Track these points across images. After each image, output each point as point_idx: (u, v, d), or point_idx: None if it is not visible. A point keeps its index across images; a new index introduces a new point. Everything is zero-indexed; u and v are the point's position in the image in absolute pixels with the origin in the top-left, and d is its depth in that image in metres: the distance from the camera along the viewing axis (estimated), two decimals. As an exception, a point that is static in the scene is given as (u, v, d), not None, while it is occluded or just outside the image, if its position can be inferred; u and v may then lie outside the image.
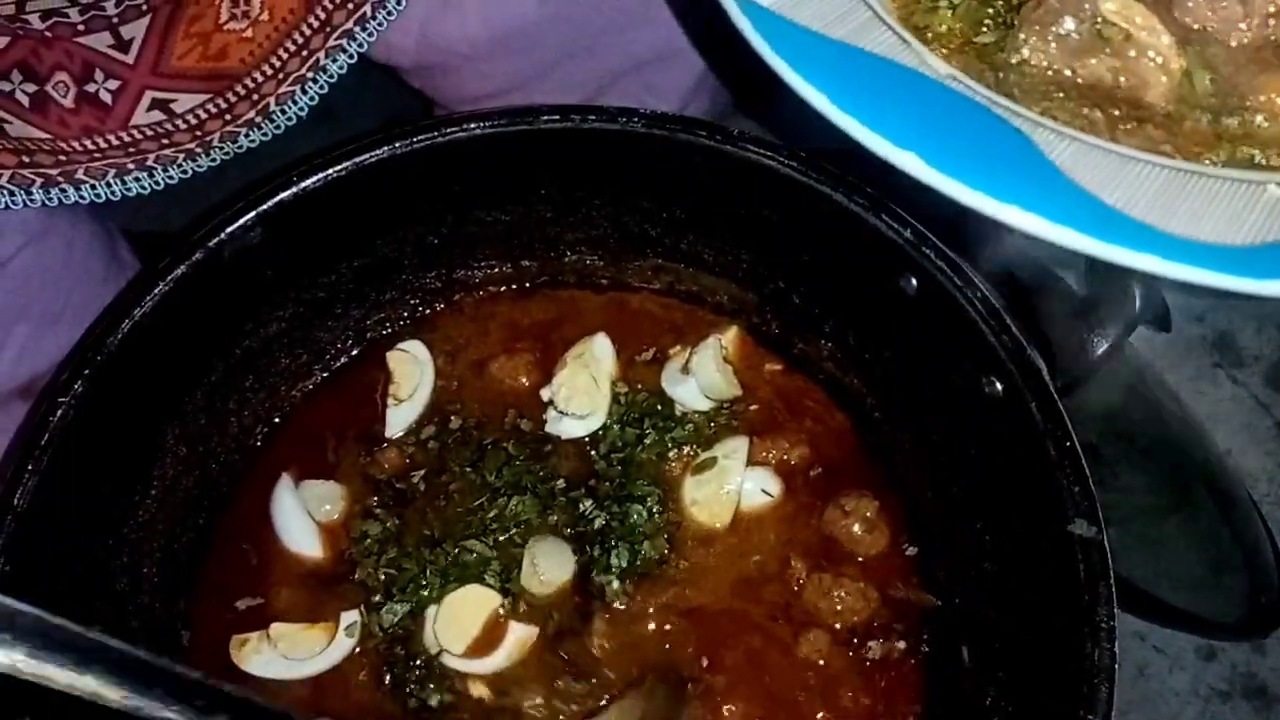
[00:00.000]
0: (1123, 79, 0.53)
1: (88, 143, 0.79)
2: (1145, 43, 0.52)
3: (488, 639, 0.76)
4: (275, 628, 0.76)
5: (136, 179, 0.80)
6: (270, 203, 0.74)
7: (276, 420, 0.86)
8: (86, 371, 0.69)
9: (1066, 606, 0.64)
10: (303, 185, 0.75)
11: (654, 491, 0.80)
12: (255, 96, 0.82)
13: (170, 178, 0.81)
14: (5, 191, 0.76)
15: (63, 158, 0.78)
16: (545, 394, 0.84)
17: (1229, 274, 0.45)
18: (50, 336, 0.85)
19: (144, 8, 0.79)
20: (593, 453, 0.83)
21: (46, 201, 0.77)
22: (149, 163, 0.80)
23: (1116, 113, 0.52)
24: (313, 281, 0.83)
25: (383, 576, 0.78)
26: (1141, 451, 1.04)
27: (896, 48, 0.52)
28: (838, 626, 0.77)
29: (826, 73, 0.50)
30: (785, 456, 0.83)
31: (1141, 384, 1.06)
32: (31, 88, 0.78)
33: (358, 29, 0.82)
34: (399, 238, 0.84)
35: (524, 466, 0.81)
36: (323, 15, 0.81)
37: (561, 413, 0.83)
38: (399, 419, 0.84)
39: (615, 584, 0.77)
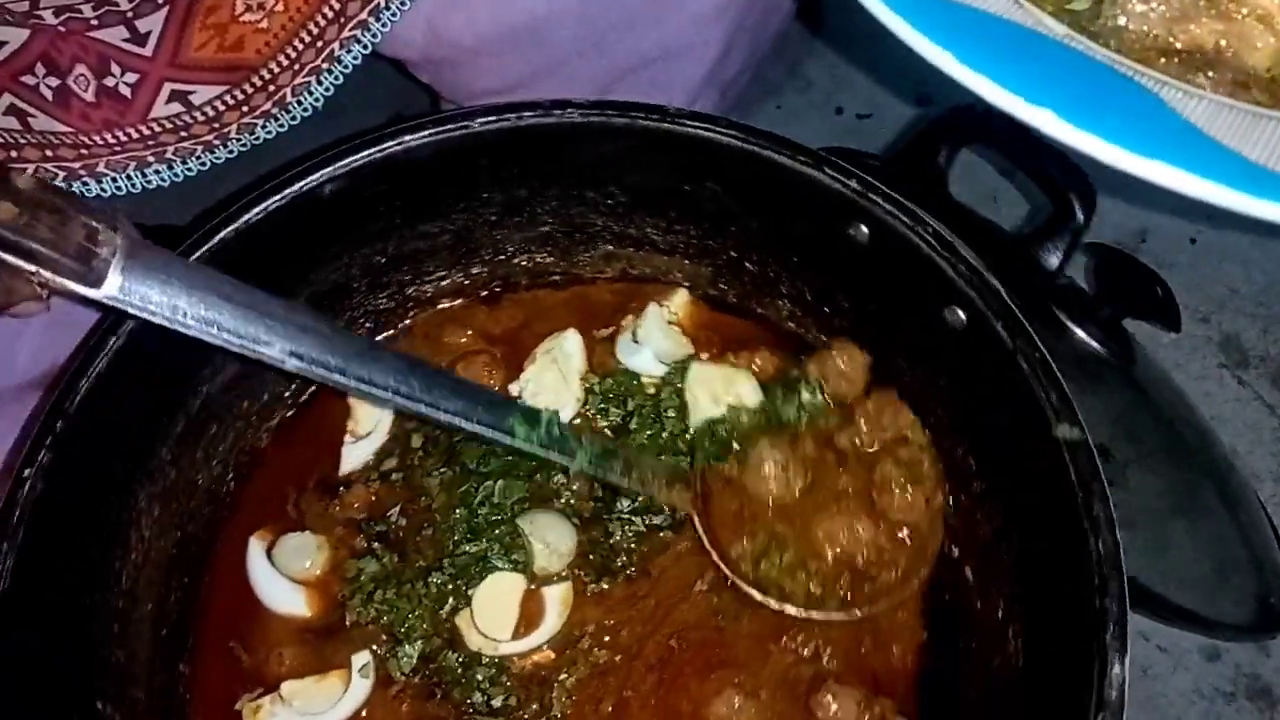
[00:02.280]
0: (1224, 43, 0.53)
1: (109, 136, 0.80)
2: (1254, 2, 0.52)
3: (528, 615, 0.76)
4: (286, 686, 0.75)
5: (156, 171, 0.81)
6: (216, 240, 0.73)
7: (244, 463, 0.84)
8: (50, 440, 0.67)
9: (1061, 509, 0.66)
10: (244, 219, 0.73)
11: (682, 459, 0.80)
12: (272, 88, 0.83)
13: (189, 170, 0.82)
14: None
15: (84, 151, 0.79)
16: (514, 388, 0.84)
17: None
18: (66, 328, 0.86)
19: (160, 1, 0.80)
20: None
21: None
22: (168, 155, 0.81)
23: (1218, 77, 0.52)
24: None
25: (375, 615, 0.76)
26: (1150, 453, 1.04)
27: (1010, 7, 0.52)
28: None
29: (949, 31, 0.50)
30: (753, 367, 0.83)
31: (1150, 385, 1.06)
32: (55, 81, 0.79)
33: (371, 19, 0.82)
34: (345, 262, 0.82)
35: (511, 461, 0.80)
36: (337, 6, 0.82)
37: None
38: (355, 456, 0.83)
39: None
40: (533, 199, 0.84)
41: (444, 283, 0.89)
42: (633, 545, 0.78)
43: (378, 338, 0.89)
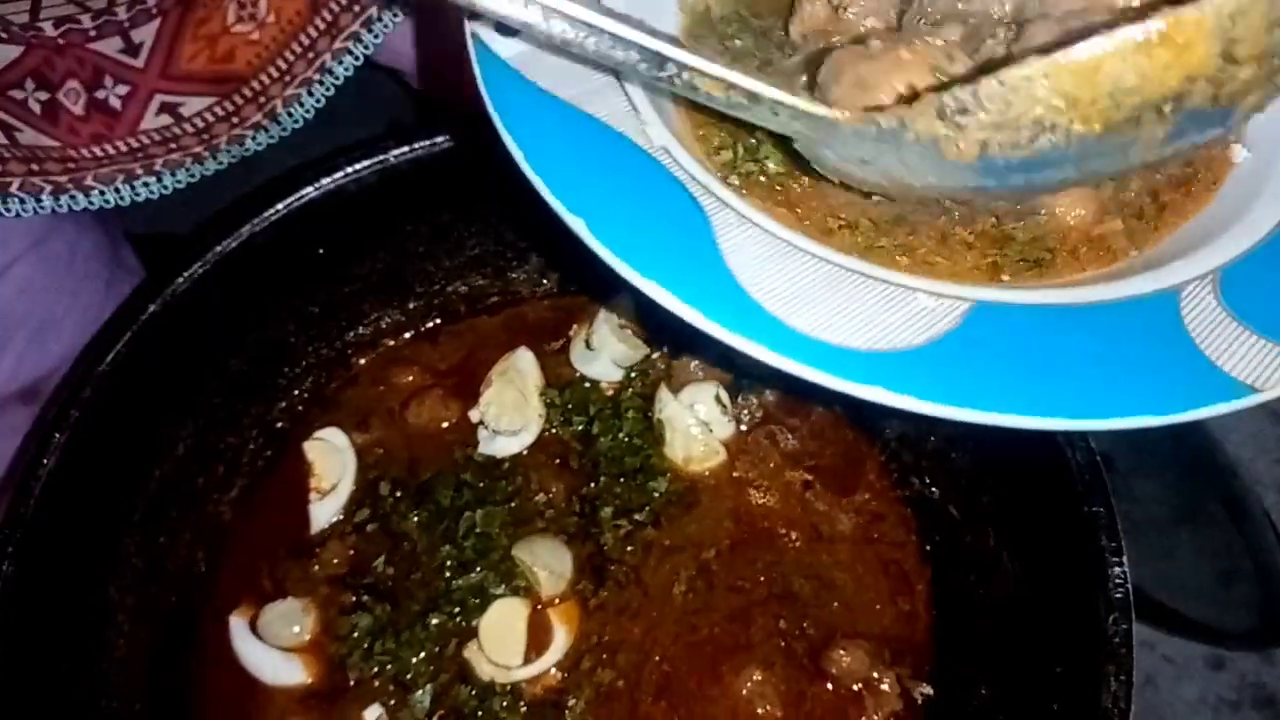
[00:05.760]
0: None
1: (97, 150, 0.79)
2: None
3: (538, 638, 0.76)
4: None
5: (145, 184, 0.80)
6: (146, 314, 0.72)
7: (211, 541, 0.81)
8: (11, 549, 0.66)
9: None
10: (171, 289, 0.73)
11: (650, 458, 0.81)
12: (262, 99, 0.82)
13: (178, 182, 0.81)
14: (15, 199, 0.76)
15: (71, 165, 0.78)
16: (474, 415, 0.84)
17: (833, 374, 0.46)
18: (52, 341, 0.85)
19: (154, 11, 0.79)
20: (555, 461, 0.83)
21: (56, 208, 0.78)
22: (156, 167, 0.80)
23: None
24: (204, 387, 0.80)
25: (378, 668, 0.75)
26: (1154, 461, 1.03)
27: (622, 116, 0.54)
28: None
29: (531, 131, 0.52)
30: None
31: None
32: (44, 96, 0.78)
33: (364, 31, 0.82)
34: (278, 317, 0.82)
35: (485, 488, 0.80)
36: (329, 17, 0.81)
37: (495, 431, 0.83)
38: (324, 513, 0.82)
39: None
40: (458, 221, 0.83)
41: (383, 322, 0.88)
42: (626, 549, 0.78)
43: (324, 388, 0.87)
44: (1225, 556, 1.03)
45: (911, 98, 0.49)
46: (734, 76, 0.50)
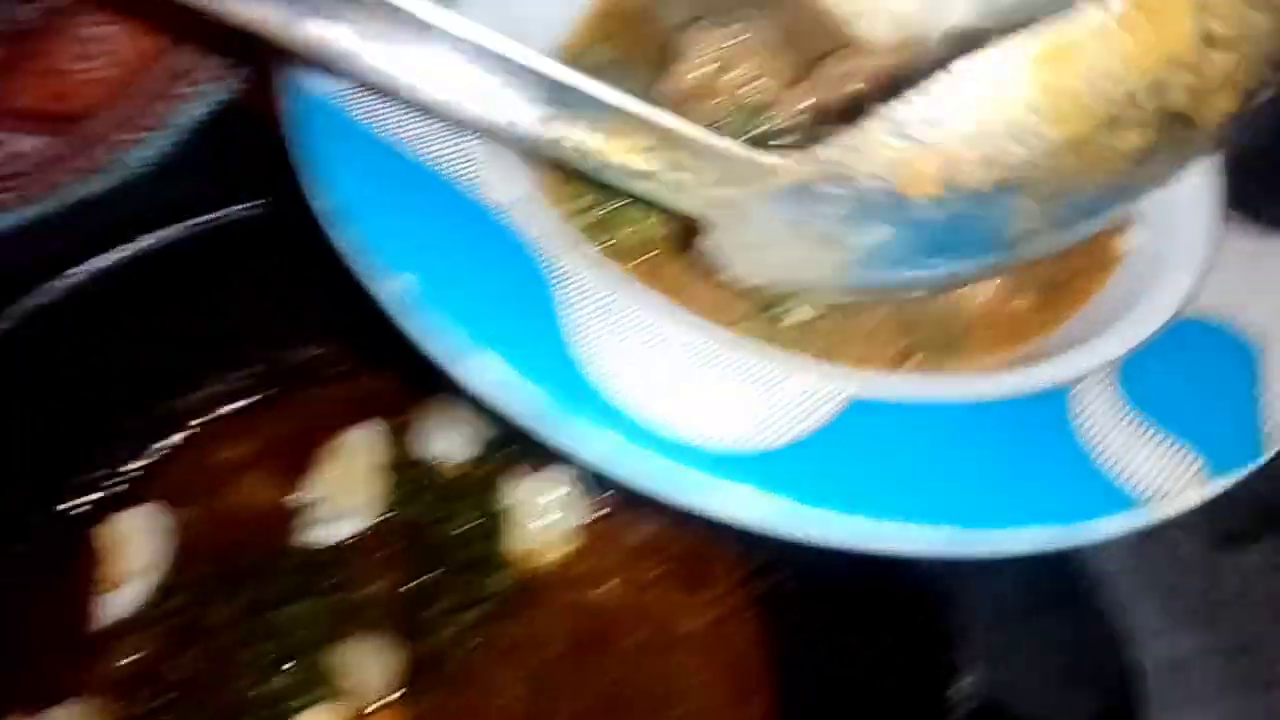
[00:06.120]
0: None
1: None
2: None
3: None
4: None
5: None
6: None
7: None
8: None
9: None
10: None
11: (492, 548, 0.78)
12: (99, 143, 0.78)
13: (6, 224, 0.76)
14: None
15: None
16: (303, 496, 0.79)
17: (683, 475, 0.42)
18: None
19: (-13, 42, 0.75)
20: (388, 550, 0.78)
21: None
22: None
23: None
24: None
25: None
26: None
27: (460, 159, 0.49)
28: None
29: (351, 174, 0.47)
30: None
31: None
32: None
33: (214, 80, 0.79)
34: (95, 381, 0.76)
35: (308, 578, 0.75)
36: (178, 63, 0.78)
37: (324, 515, 0.78)
38: (125, 602, 0.75)
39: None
40: (302, 284, 0.76)
41: (215, 389, 0.83)
42: (460, 649, 0.75)
43: (141, 464, 0.81)
44: (1070, 653, 1.04)
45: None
46: (663, 118, 0.44)
